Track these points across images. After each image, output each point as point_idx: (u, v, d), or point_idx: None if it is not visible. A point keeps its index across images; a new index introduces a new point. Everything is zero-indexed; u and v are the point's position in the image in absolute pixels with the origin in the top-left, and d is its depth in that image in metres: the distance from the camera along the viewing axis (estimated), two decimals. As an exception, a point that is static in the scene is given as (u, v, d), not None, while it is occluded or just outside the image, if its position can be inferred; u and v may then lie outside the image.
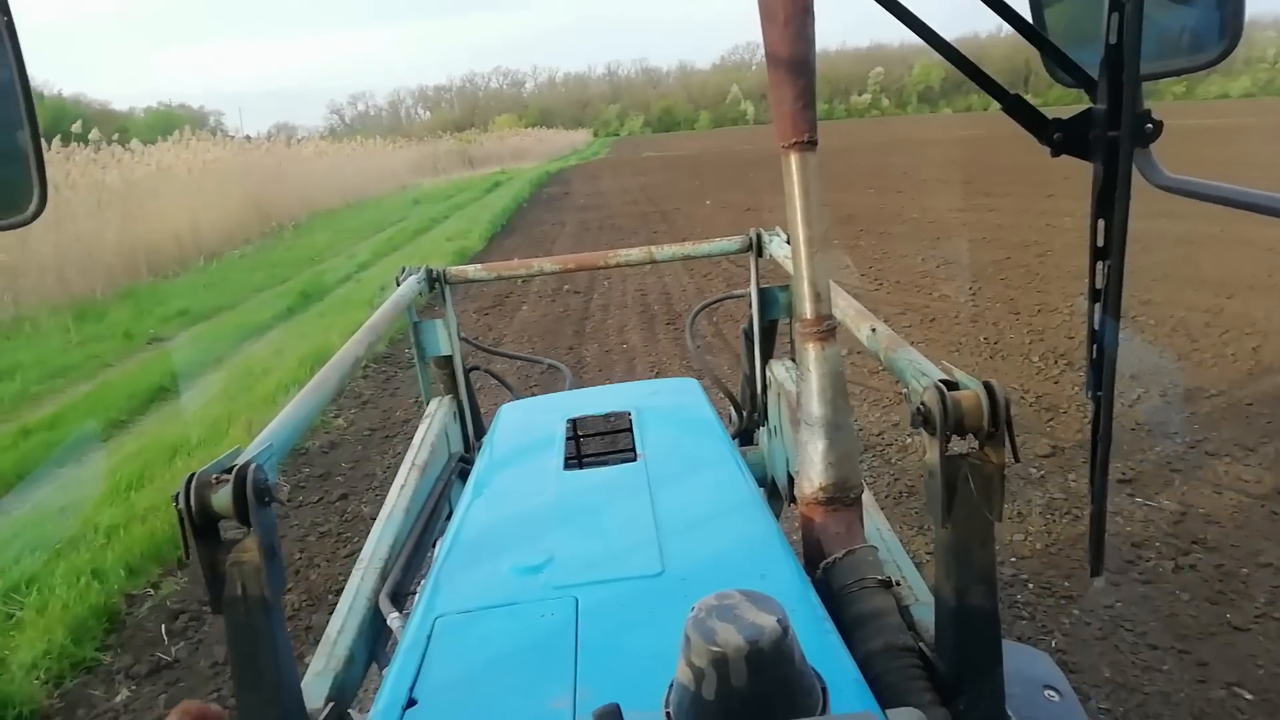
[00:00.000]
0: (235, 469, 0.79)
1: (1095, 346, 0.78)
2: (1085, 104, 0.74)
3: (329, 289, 8.90)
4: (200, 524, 0.78)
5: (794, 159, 1.02)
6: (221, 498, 0.78)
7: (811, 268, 1.05)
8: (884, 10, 0.74)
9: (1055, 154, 0.74)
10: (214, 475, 0.80)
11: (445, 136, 49.03)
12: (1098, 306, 0.76)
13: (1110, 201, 0.71)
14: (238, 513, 0.78)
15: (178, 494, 0.78)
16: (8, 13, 0.67)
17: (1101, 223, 0.73)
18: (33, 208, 0.71)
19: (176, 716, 0.30)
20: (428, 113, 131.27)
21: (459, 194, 21.64)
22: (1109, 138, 0.71)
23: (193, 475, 0.79)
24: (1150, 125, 0.69)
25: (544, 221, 13.39)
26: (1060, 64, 0.74)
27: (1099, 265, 0.74)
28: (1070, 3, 0.85)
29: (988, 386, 0.80)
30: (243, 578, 0.79)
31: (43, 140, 0.75)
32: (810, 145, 1.01)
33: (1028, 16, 0.82)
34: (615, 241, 10.39)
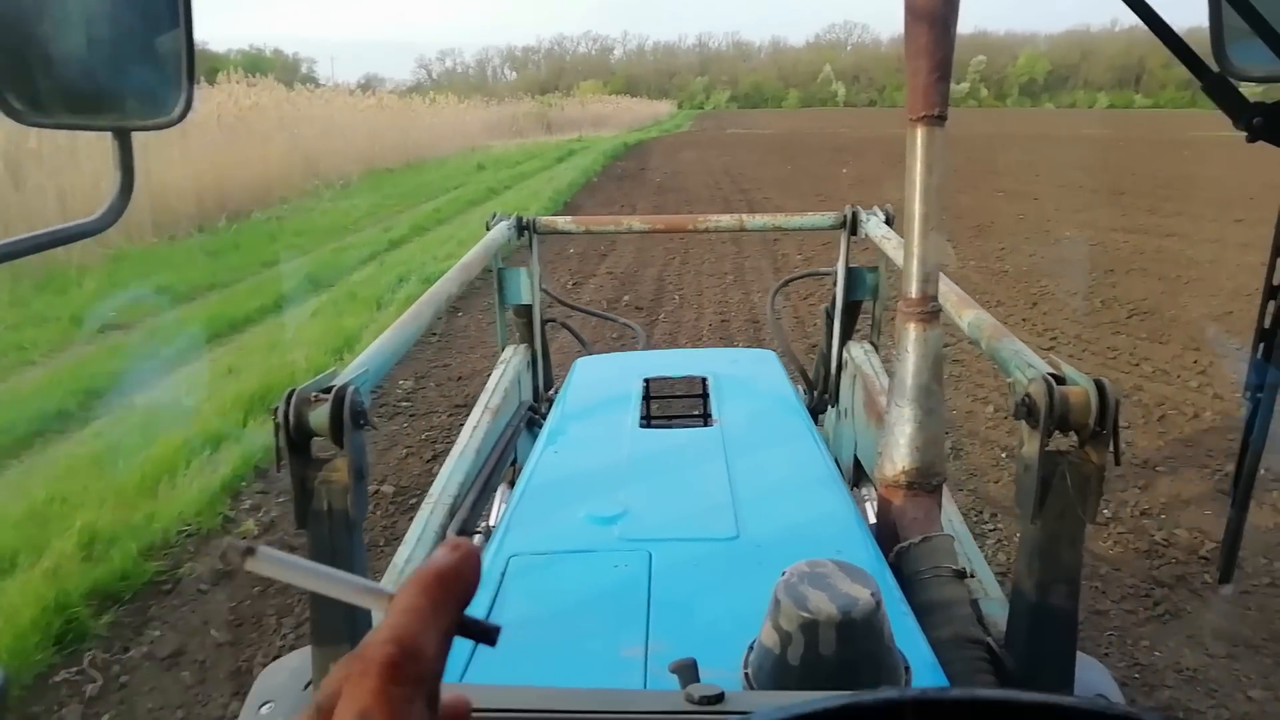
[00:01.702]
0: (334, 390, 0.82)
1: (1263, 345, 0.71)
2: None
3: (340, 274, 7.36)
4: (296, 439, 0.81)
5: (920, 133, 0.98)
6: (319, 416, 0.81)
7: (924, 246, 1.01)
8: None
9: (1251, 139, 0.66)
10: (313, 394, 0.83)
11: (525, 99, 47.63)
12: (1272, 304, 0.70)
13: None
14: (333, 432, 0.81)
15: (277, 407, 0.81)
16: None
17: None
18: (178, 111, 0.69)
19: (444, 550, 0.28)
20: (514, 73, 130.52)
21: (527, 161, 20.08)
22: None
23: (293, 390, 0.82)
24: None
25: (612, 202, 11.67)
26: (1270, 40, 0.63)
27: (1279, 261, 0.66)
28: None
29: (1099, 384, 0.78)
30: (329, 496, 0.82)
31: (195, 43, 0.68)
32: (939, 120, 0.98)
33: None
34: (690, 244, 8.63)
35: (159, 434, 3.55)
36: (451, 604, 0.29)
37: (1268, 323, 0.72)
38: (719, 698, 0.53)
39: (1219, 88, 0.69)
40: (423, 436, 3.79)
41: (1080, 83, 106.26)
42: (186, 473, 3.18)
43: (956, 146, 20.26)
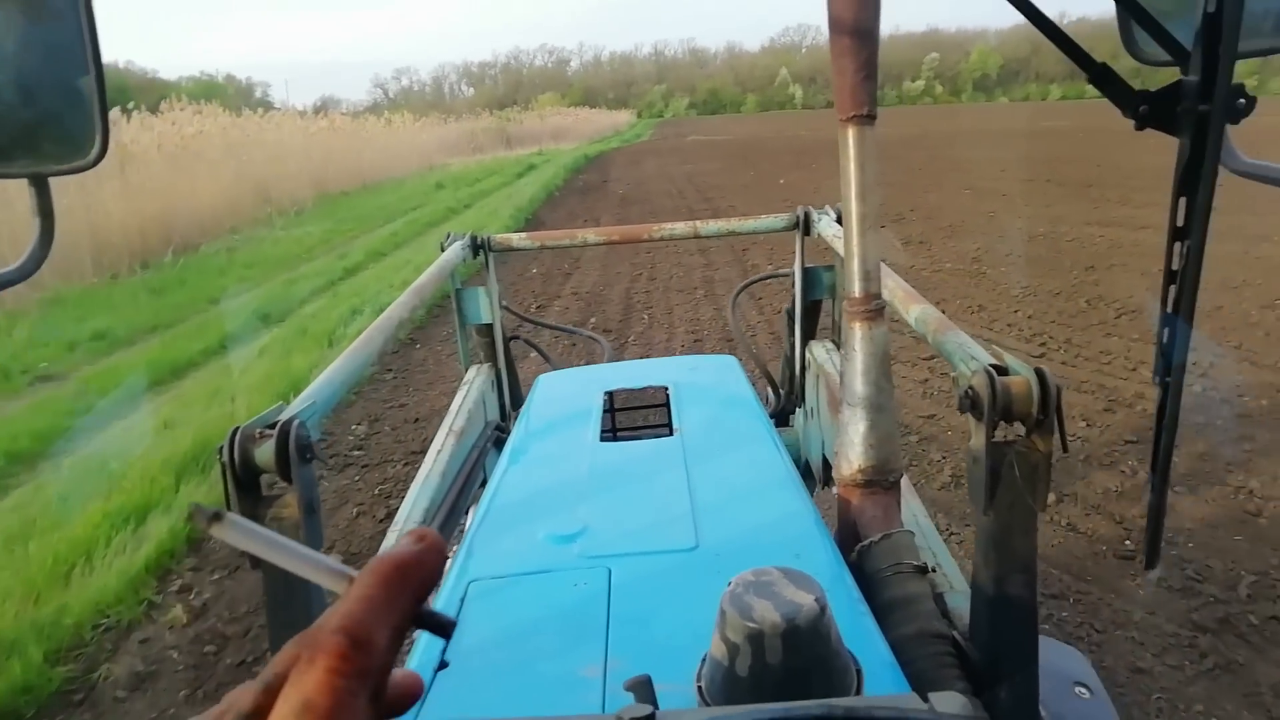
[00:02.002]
0: (279, 424, 0.80)
1: (1166, 330, 0.72)
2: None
3: (290, 308, 6.98)
4: (243, 477, 0.80)
5: (852, 133, 1.00)
6: (264, 452, 0.80)
7: (863, 245, 1.02)
8: None
9: (1139, 127, 0.70)
10: (258, 430, 0.81)
11: (483, 114, 47.26)
12: (1172, 288, 0.71)
13: (1195, 179, 0.67)
14: (280, 468, 0.80)
15: (222, 446, 0.79)
16: None
17: (1184, 201, 0.69)
18: (94, 153, 0.69)
19: (407, 540, 0.30)
20: (471, 89, 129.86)
21: (487, 178, 19.71)
22: (1199, 111, 0.66)
23: (237, 429, 0.80)
24: (1243, 100, 0.65)
25: (575, 217, 11.37)
26: (1153, 33, 0.69)
27: (1177, 245, 0.70)
28: None
29: (1039, 373, 0.79)
30: (281, 533, 0.62)
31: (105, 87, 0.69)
32: (869, 119, 0.99)
33: None
34: (657, 258, 8.34)
35: (80, 506, 3.18)
36: (408, 595, 0.29)
37: (1170, 307, 0.72)
38: (649, 718, 0.53)
39: (1105, 78, 0.71)
40: (376, 491, 3.45)
41: (1032, 76, 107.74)
42: (106, 552, 2.82)
43: (918, 144, 20.28)
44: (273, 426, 0.81)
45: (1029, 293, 5.88)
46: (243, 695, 0.27)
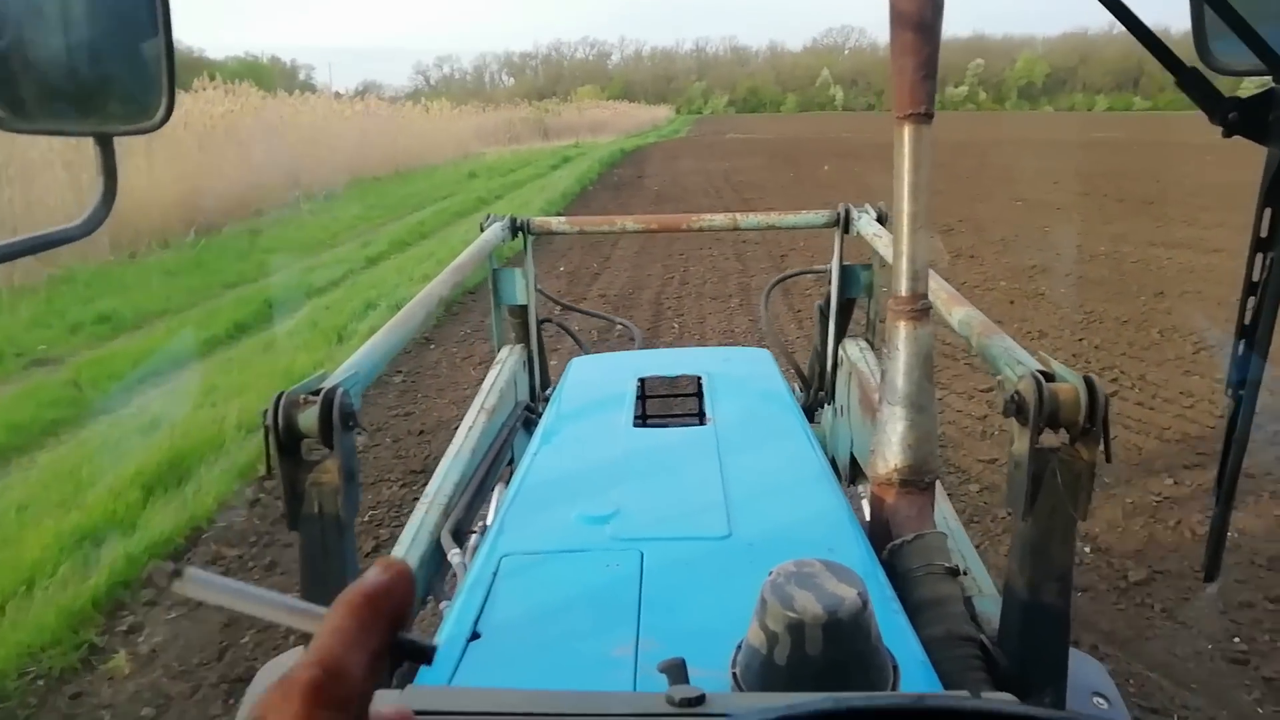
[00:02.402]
0: (323, 392, 0.84)
1: (1244, 341, 0.71)
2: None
3: (305, 297, 6.67)
4: (285, 442, 0.83)
5: (908, 130, 0.98)
6: (308, 418, 0.83)
7: (913, 244, 1.01)
8: None
9: (1227, 134, 0.67)
10: (302, 395, 0.84)
11: (521, 104, 47.02)
12: (1251, 300, 0.69)
13: None
14: (322, 434, 0.82)
15: (266, 410, 0.82)
16: None
17: (1269, 212, 0.67)
18: (160, 115, 0.70)
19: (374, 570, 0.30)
20: (512, 79, 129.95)
21: (521, 168, 19.40)
22: None
23: (282, 394, 0.83)
24: None
25: (609, 213, 11.00)
26: (1247, 39, 0.64)
27: (1259, 256, 0.68)
28: None
29: (1088, 381, 0.79)
30: (320, 498, 0.84)
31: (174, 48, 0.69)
32: (926, 118, 0.97)
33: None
34: (691, 261, 7.95)
35: (34, 521, 2.85)
36: (381, 624, 0.29)
37: (1248, 319, 0.71)
38: (699, 699, 0.52)
39: (1194, 83, 0.69)
40: (366, 517, 3.09)
41: (1079, 85, 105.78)
42: (51, 582, 2.48)
43: (965, 152, 19.63)
44: (316, 393, 0.83)
45: (1093, 319, 5.40)
46: None
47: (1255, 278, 0.69)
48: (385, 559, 0.30)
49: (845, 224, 1.96)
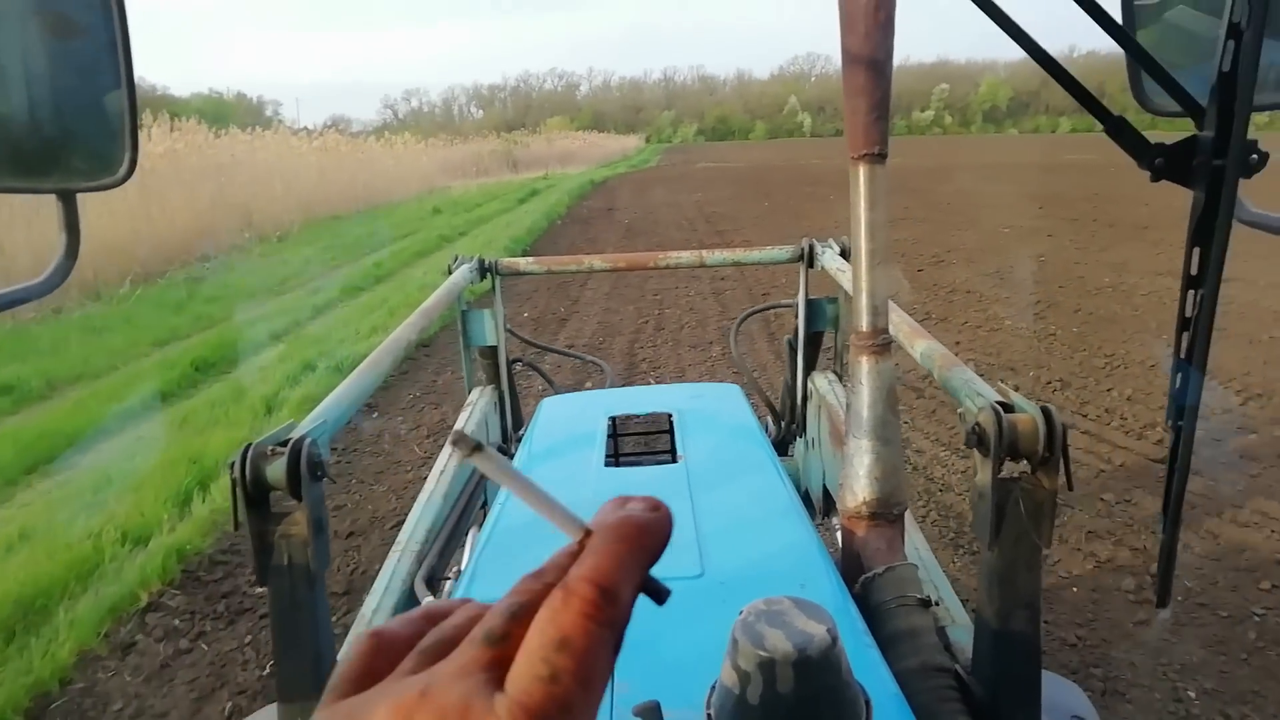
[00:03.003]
0: (290, 442, 0.83)
1: (1180, 375, 0.74)
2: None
3: (237, 358, 5.99)
4: (253, 493, 0.82)
5: (863, 170, 1.00)
6: (275, 469, 0.82)
7: (871, 280, 1.03)
8: (988, 20, 0.73)
9: (1155, 179, 0.72)
10: (270, 447, 0.83)
11: (490, 136, 46.64)
12: (1185, 335, 0.74)
13: (1209, 231, 0.70)
14: (290, 486, 0.82)
15: (233, 461, 0.81)
16: None
17: (1197, 251, 0.71)
18: (123, 170, 0.70)
19: (644, 505, 0.31)
20: (480, 111, 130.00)
21: (488, 202, 18.83)
22: (1214, 166, 0.69)
23: (249, 445, 0.83)
24: (1255, 155, 0.68)
25: (577, 249, 10.40)
26: (1168, 87, 0.71)
27: (1190, 293, 0.72)
28: (1161, 30, 0.82)
29: (1045, 411, 0.81)
30: (290, 550, 0.82)
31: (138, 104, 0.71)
32: (880, 158, 1.00)
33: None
34: (666, 302, 7.37)
35: None
36: (645, 558, 0.30)
37: (1184, 353, 0.73)
38: None
39: (1120, 130, 0.72)
40: (270, 667, 2.43)
41: (1042, 108, 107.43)
42: None
43: (939, 177, 19.34)
44: (284, 444, 0.83)
45: (1117, 364, 4.86)
46: (490, 617, 0.28)
47: (1188, 313, 0.72)
48: (652, 499, 0.31)
49: (810, 259, 1.98)
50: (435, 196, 21.19)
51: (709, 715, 0.63)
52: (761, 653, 0.58)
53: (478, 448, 0.31)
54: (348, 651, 0.29)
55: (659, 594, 0.31)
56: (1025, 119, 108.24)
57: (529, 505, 0.32)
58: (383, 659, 0.29)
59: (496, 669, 0.26)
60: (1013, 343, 5.40)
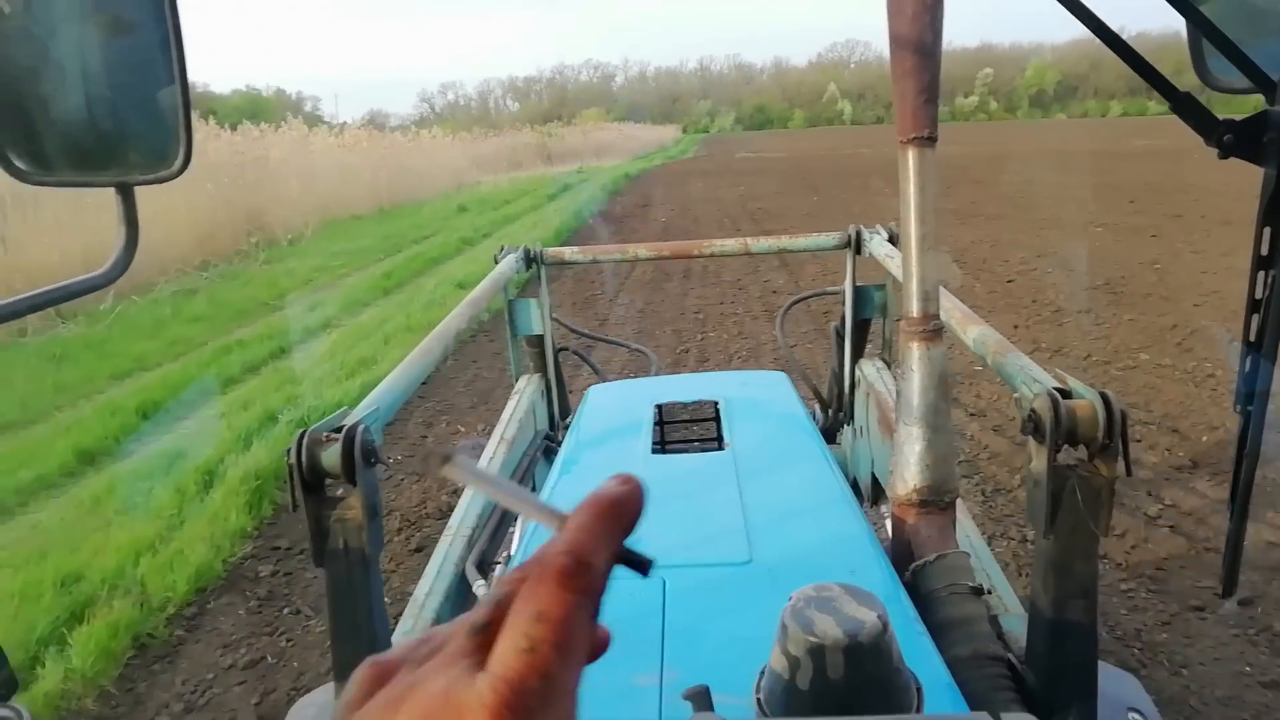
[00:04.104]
0: (344, 429, 0.85)
1: (1250, 359, 0.72)
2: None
3: (204, 397, 4.99)
4: (309, 479, 0.84)
5: (912, 154, 1.00)
6: (330, 456, 0.84)
7: (922, 265, 1.02)
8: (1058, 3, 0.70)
9: (1223, 156, 0.69)
10: (324, 434, 0.85)
11: (524, 129, 45.69)
12: (1255, 317, 0.71)
13: None
14: (345, 471, 0.84)
15: (289, 449, 0.84)
16: None
17: (1269, 230, 0.68)
18: (178, 164, 0.72)
19: (613, 481, 0.33)
20: (516, 104, 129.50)
21: (517, 199, 17.83)
22: None
23: (304, 431, 0.85)
24: None
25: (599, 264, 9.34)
26: (1238, 62, 0.68)
27: (1261, 274, 0.70)
28: (1242, 2, 0.80)
29: (1104, 396, 0.79)
30: (345, 534, 0.85)
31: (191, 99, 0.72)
32: (930, 141, 0.99)
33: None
34: (709, 323, 6.27)
35: None
36: (617, 529, 0.31)
37: (1252, 335, 0.72)
38: None
39: (1187, 106, 0.70)
40: None
41: (1090, 92, 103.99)
42: None
43: (999, 166, 17.92)
44: (338, 431, 0.85)
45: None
46: (474, 611, 0.30)
47: (1258, 295, 0.70)
48: (622, 474, 0.32)
49: (857, 245, 1.94)
50: (464, 193, 20.25)
51: (758, 700, 0.63)
52: (811, 638, 0.57)
53: (447, 458, 0.32)
54: (349, 683, 0.30)
55: (640, 565, 0.32)
56: (1073, 103, 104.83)
57: (507, 505, 0.33)
58: (382, 686, 0.29)
59: (480, 654, 0.28)
60: (1162, 388, 4.21)
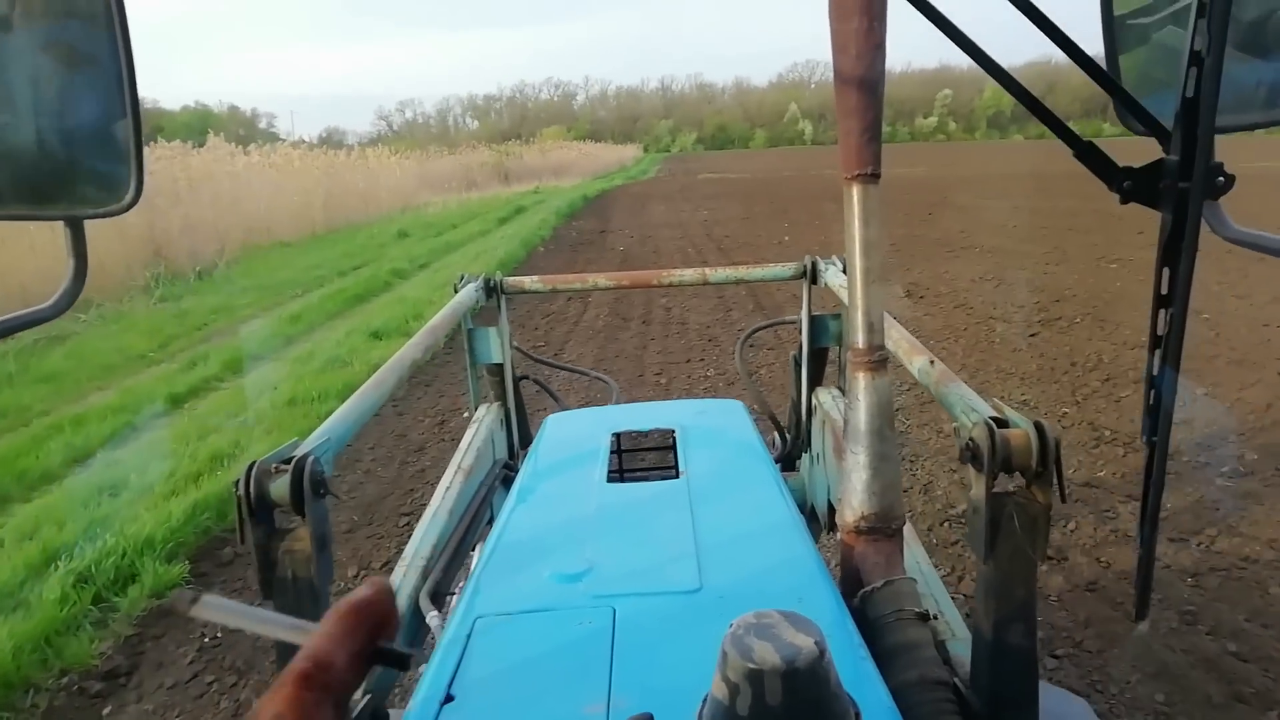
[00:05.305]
0: (294, 460, 0.85)
1: (1152, 393, 0.77)
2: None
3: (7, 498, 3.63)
4: (257, 511, 0.83)
5: (856, 190, 1.03)
6: (279, 487, 0.84)
7: (867, 297, 1.06)
8: (952, 44, 0.75)
9: (1124, 201, 0.74)
10: (273, 464, 0.85)
11: (480, 148, 44.31)
12: (1158, 353, 0.75)
13: (1177, 251, 0.72)
14: (294, 503, 0.84)
15: (238, 480, 0.83)
16: (121, 6, 0.68)
17: (1167, 271, 0.73)
18: (129, 197, 0.72)
19: (362, 587, 0.35)
20: (475, 122, 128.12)
21: (465, 223, 16.55)
22: (1180, 188, 0.71)
23: (253, 464, 0.84)
24: (1222, 178, 0.69)
25: (557, 294, 8.06)
26: (1133, 112, 0.74)
27: (1161, 313, 0.74)
28: (1144, 52, 0.84)
29: (1038, 426, 0.81)
30: (293, 566, 0.84)
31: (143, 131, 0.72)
32: (873, 178, 1.02)
33: (1102, 63, 0.83)
34: (675, 377, 5.05)
35: None
36: (364, 631, 0.33)
37: (1155, 370, 0.74)
38: None
39: (1089, 154, 0.75)
40: None
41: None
42: None
43: (977, 189, 17.05)
44: (288, 462, 0.85)
45: None
46: None
47: (1160, 332, 0.74)
48: (372, 578, 0.34)
49: (813, 275, 1.98)
50: (408, 216, 18.89)
51: None
52: (750, 665, 0.57)
53: (195, 600, 0.33)
54: None
55: (399, 660, 0.33)
56: (1031, 124, 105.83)
57: (257, 631, 0.35)
58: None
59: None
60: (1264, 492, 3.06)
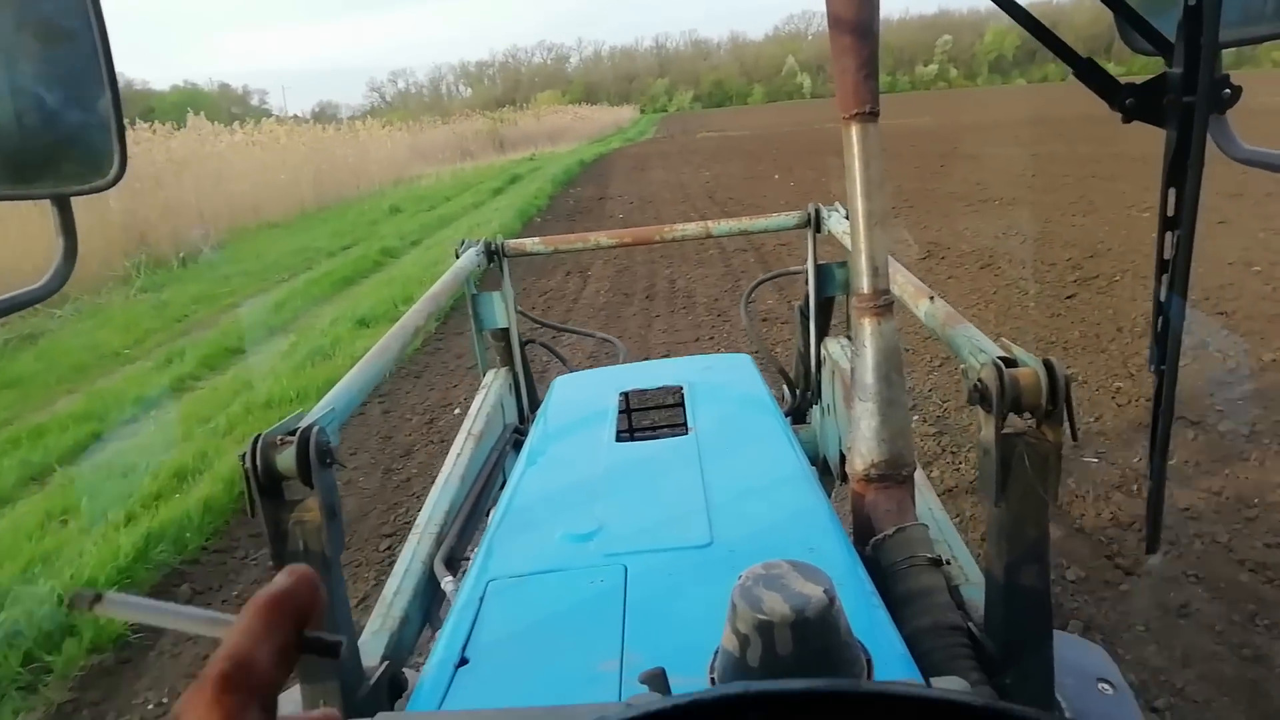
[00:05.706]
0: (299, 431, 0.83)
1: (1160, 319, 0.73)
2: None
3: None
4: (265, 483, 0.82)
5: (855, 130, 1.00)
6: (285, 459, 0.82)
7: (870, 241, 1.03)
8: None
9: (1126, 119, 0.70)
10: (279, 436, 0.83)
11: (475, 115, 43.45)
12: (1164, 278, 0.72)
13: (1182, 170, 0.68)
14: (301, 473, 0.82)
15: (244, 453, 0.81)
16: None
17: (1173, 191, 0.70)
18: (113, 173, 0.70)
19: (281, 575, 0.33)
20: (469, 89, 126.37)
21: (459, 195, 16.04)
22: (1184, 103, 0.67)
23: (259, 436, 0.82)
24: (1228, 91, 0.65)
25: (557, 264, 7.60)
26: (1136, 26, 0.71)
27: (1168, 235, 0.71)
28: None
29: (1047, 364, 0.79)
30: (304, 536, 0.83)
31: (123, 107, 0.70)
32: (872, 116, 1.00)
33: None
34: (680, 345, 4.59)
35: None
36: (286, 623, 0.31)
37: (1162, 296, 0.72)
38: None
39: (1090, 72, 0.71)
40: None
41: (1050, 56, 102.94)
42: None
43: (988, 137, 16.43)
44: (293, 433, 0.83)
45: None
46: None
47: (1166, 255, 0.71)
48: (292, 565, 0.32)
49: (816, 224, 1.95)
50: (401, 190, 18.36)
51: (712, 679, 0.64)
52: (759, 615, 0.57)
53: (97, 599, 0.32)
54: None
55: (328, 648, 0.32)
56: (1033, 68, 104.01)
57: (168, 625, 0.33)
58: None
59: None
60: None
